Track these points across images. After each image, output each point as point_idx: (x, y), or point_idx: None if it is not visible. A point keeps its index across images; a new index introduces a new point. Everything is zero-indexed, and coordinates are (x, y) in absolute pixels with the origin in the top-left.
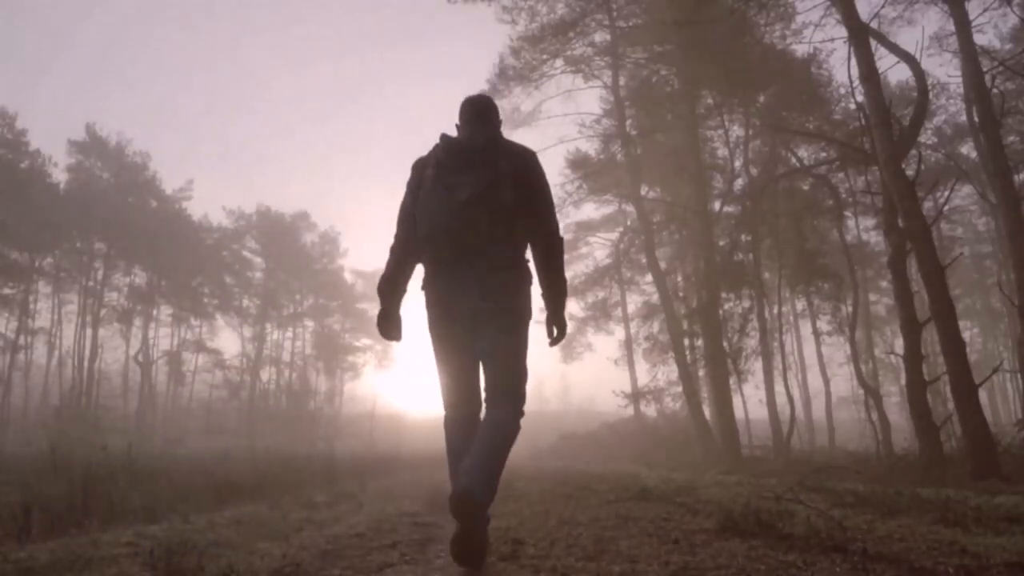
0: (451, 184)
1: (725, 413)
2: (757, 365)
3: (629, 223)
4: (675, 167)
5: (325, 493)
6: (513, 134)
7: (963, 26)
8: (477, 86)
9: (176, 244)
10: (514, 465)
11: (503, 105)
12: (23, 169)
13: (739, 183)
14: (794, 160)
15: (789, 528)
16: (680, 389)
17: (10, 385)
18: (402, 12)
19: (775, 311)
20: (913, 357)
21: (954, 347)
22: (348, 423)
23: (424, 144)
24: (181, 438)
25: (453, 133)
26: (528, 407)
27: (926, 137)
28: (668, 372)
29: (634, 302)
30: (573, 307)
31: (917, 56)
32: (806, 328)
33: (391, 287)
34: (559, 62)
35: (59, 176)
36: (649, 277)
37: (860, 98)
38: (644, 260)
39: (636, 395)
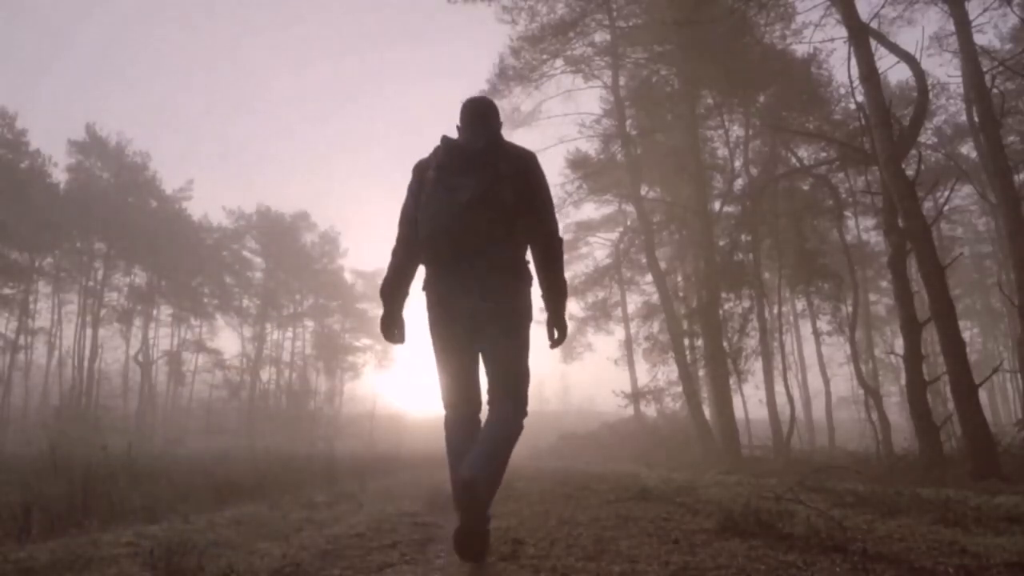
0: (452, 186)
1: (725, 413)
2: (757, 365)
3: (629, 223)
4: (675, 167)
5: (325, 493)
6: (513, 134)
7: (963, 26)
8: (477, 86)
9: (176, 244)
10: (514, 465)
11: (503, 105)
12: (23, 169)
13: (739, 183)
14: (794, 160)
15: (789, 528)
16: (680, 389)
17: (10, 385)
18: (402, 12)
19: (775, 311)
20: (913, 357)
21: (954, 347)
22: (348, 423)
23: (424, 144)
24: (181, 438)
25: (453, 135)
26: (528, 407)
27: (926, 137)
28: (668, 372)
29: (634, 302)
30: (573, 307)
31: (917, 56)
32: (806, 328)
33: (393, 290)
34: (559, 62)
35: (59, 176)
36: (649, 277)
37: (860, 98)
38: (644, 260)
39: (636, 395)
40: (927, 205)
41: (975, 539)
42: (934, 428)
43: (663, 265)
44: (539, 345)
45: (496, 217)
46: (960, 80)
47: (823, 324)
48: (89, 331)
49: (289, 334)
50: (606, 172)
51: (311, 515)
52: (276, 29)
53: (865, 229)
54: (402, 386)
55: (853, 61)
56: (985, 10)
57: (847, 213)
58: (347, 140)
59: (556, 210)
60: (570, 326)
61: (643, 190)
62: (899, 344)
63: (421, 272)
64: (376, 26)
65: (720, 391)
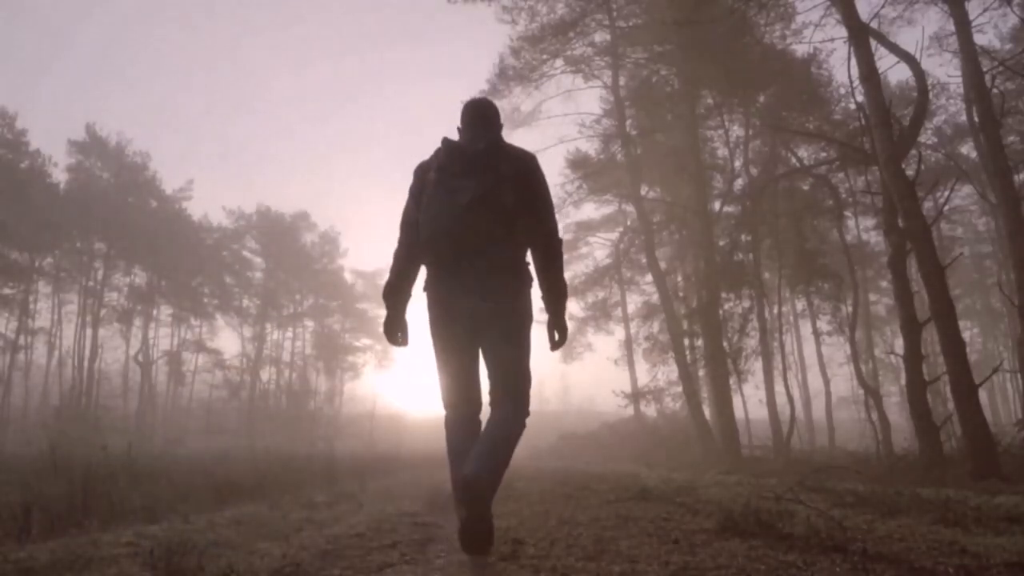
0: (453, 188)
1: (725, 413)
2: (757, 365)
3: (629, 223)
4: (675, 167)
5: (325, 493)
6: (513, 134)
7: (963, 26)
8: (477, 86)
9: (176, 244)
10: (514, 465)
11: (503, 105)
12: (23, 169)
13: (739, 183)
14: (794, 160)
15: (789, 528)
16: (680, 389)
17: (10, 385)
18: (402, 12)
19: (775, 311)
20: (913, 357)
21: (954, 347)
22: (348, 423)
23: (424, 144)
24: (181, 438)
25: (454, 136)
26: (530, 407)
27: (926, 137)
28: (668, 372)
29: (634, 302)
30: (573, 307)
31: (917, 56)
32: (806, 328)
33: (396, 293)
34: (559, 62)
35: (59, 176)
36: (649, 277)
37: (860, 98)
38: (644, 260)
39: (636, 395)
40: (927, 205)
41: (975, 539)
42: (934, 428)
43: (663, 265)
44: (539, 345)
45: (496, 218)
46: (960, 80)
47: (823, 324)
48: (89, 331)
49: (289, 334)
50: (606, 172)
51: (311, 515)
52: (276, 29)
53: (865, 229)
54: (402, 386)
55: (853, 61)
56: (985, 10)
57: (847, 213)
58: (347, 140)
59: (556, 210)
60: (570, 326)
61: (643, 190)
62: (899, 344)
63: (423, 273)
64: (376, 26)
65: (720, 391)
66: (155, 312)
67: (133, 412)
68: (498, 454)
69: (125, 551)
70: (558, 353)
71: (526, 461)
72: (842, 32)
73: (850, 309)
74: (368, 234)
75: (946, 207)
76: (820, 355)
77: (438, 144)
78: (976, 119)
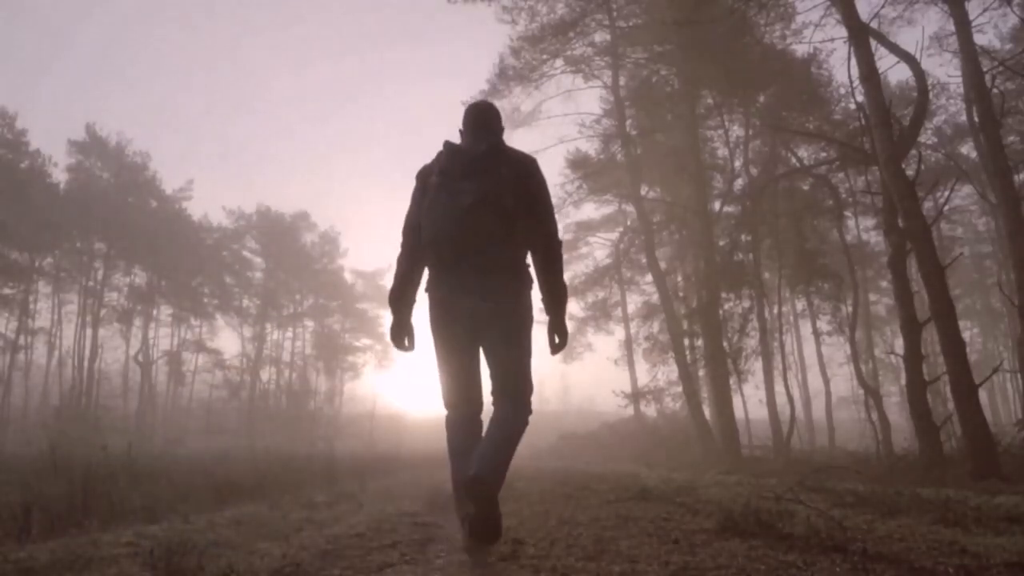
0: (455, 190)
1: (725, 413)
2: (757, 365)
3: (629, 223)
4: (675, 167)
5: (325, 493)
6: (513, 134)
7: (963, 26)
8: (477, 86)
9: (176, 244)
10: (514, 465)
11: (503, 105)
12: (23, 169)
13: (739, 183)
14: (794, 160)
15: (789, 528)
16: (680, 389)
17: (10, 385)
18: (402, 12)
19: (775, 311)
20: (913, 357)
21: (954, 347)
22: (348, 423)
23: (424, 144)
24: (181, 438)
25: (454, 136)
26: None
27: (926, 137)
28: (668, 372)
29: (634, 302)
30: (573, 307)
31: (917, 56)
32: (806, 328)
33: (401, 297)
34: (559, 62)
35: (59, 176)
36: (649, 277)
37: (860, 98)
38: (644, 260)
39: (636, 395)
40: (927, 205)
41: (975, 539)
42: (934, 428)
43: (663, 265)
44: (539, 346)
45: (497, 220)
46: (960, 80)
47: (823, 324)
48: (89, 331)
49: (289, 334)
50: (606, 172)
51: (311, 515)
52: (276, 29)
53: (865, 229)
54: (402, 386)
55: (853, 61)
56: (985, 10)
57: (847, 213)
58: (347, 140)
59: (556, 211)
60: (570, 326)
61: (643, 190)
62: (899, 344)
63: (426, 276)
64: (376, 26)
65: (720, 391)
66: (155, 312)
67: (133, 412)
68: (501, 453)
69: (125, 551)
70: (558, 354)
71: (526, 461)
72: (842, 32)
73: (850, 309)
74: (368, 234)
75: (946, 207)
76: (820, 355)
77: (438, 144)
78: (976, 119)
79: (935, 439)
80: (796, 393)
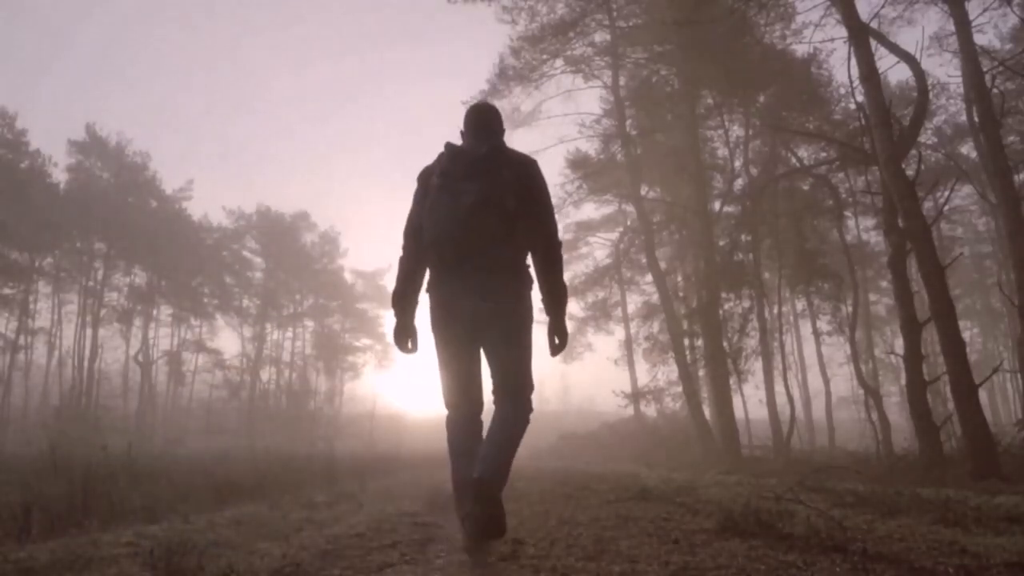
0: (456, 191)
1: (725, 413)
2: (757, 365)
3: (629, 223)
4: (675, 167)
5: (325, 493)
6: (513, 134)
7: (963, 26)
8: (477, 86)
9: (176, 244)
10: (514, 465)
11: (503, 105)
12: (23, 169)
13: (739, 183)
14: (794, 160)
15: (789, 528)
16: (680, 389)
17: (10, 385)
18: (402, 12)
19: (775, 311)
20: (913, 357)
21: (954, 347)
22: (348, 423)
23: (424, 144)
24: (181, 438)
25: (454, 137)
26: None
27: (926, 137)
28: (668, 372)
29: (634, 302)
30: (573, 307)
31: (917, 56)
32: (806, 328)
33: (404, 300)
34: (559, 62)
35: (59, 176)
36: (649, 277)
37: (860, 98)
38: (644, 260)
39: (636, 395)
40: (927, 205)
41: (975, 539)
42: (934, 428)
43: (663, 265)
44: (539, 347)
45: (498, 221)
46: (960, 80)
47: (823, 324)
48: (89, 331)
49: (289, 334)
50: (606, 172)
51: (311, 515)
52: (276, 29)
53: (865, 229)
54: (402, 386)
55: (853, 61)
56: (985, 10)
57: (847, 213)
58: (347, 140)
59: (556, 211)
60: (570, 326)
61: (643, 190)
62: (899, 344)
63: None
64: (376, 26)
65: (720, 391)
66: (155, 312)
67: (133, 412)
68: (503, 454)
69: (125, 551)
70: (558, 355)
71: (526, 461)
72: (842, 32)
73: (850, 309)
74: (368, 234)
75: (946, 207)
76: (820, 355)
77: (438, 144)
78: (976, 119)
79: (935, 439)
80: (796, 393)
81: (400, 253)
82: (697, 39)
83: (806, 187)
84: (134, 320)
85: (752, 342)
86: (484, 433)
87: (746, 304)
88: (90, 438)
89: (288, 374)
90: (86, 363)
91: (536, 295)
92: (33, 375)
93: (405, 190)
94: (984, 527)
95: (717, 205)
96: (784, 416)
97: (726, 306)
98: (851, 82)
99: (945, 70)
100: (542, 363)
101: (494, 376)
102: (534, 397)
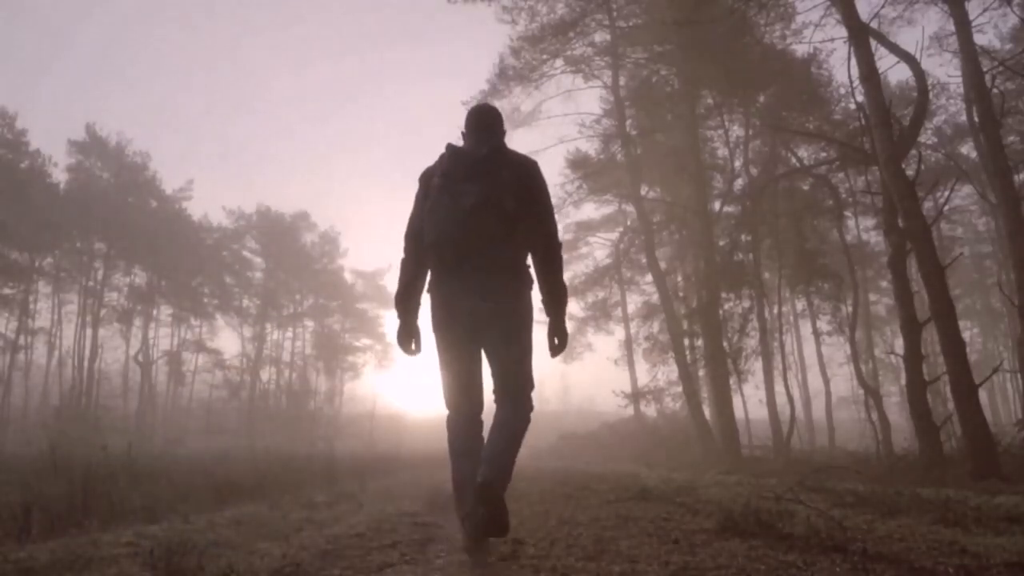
0: (457, 192)
1: (725, 413)
2: (757, 365)
3: (629, 223)
4: (675, 167)
5: (325, 493)
6: (513, 134)
7: (963, 26)
8: (477, 86)
9: (176, 244)
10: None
11: (503, 105)
12: (23, 169)
13: (739, 183)
14: (794, 160)
15: (789, 528)
16: (680, 389)
17: (10, 385)
18: (402, 12)
19: (775, 311)
20: (913, 357)
21: (954, 347)
22: (348, 423)
23: (424, 144)
24: (181, 438)
25: (454, 136)
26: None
27: (926, 137)
28: (668, 372)
29: (634, 302)
30: (573, 307)
31: (917, 56)
32: (806, 328)
33: (407, 301)
34: (559, 62)
35: (59, 176)
36: (649, 277)
37: (860, 98)
38: (644, 260)
39: (636, 395)
40: (927, 205)
41: (975, 539)
42: (934, 428)
43: (663, 265)
44: (539, 347)
45: (498, 222)
46: (960, 80)
47: (823, 324)
48: (89, 331)
49: (289, 334)
50: (606, 172)
51: (311, 515)
52: (276, 29)
53: (865, 229)
54: (402, 386)
55: (853, 61)
56: (985, 10)
57: (847, 213)
58: (347, 140)
59: (556, 211)
60: (570, 326)
61: (643, 190)
62: (899, 344)
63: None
64: (376, 26)
65: (720, 391)
66: (155, 312)
67: (133, 412)
68: (506, 455)
69: (125, 551)
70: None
71: (526, 461)
72: (842, 32)
73: (850, 309)
74: (368, 234)
75: (946, 207)
76: (820, 355)
77: (438, 144)
78: (976, 119)
79: (935, 439)
80: (796, 393)
81: (402, 255)
82: (697, 39)
83: (806, 187)
84: (134, 320)
85: (752, 342)
86: (484, 433)
87: (746, 304)
88: (90, 438)
89: (288, 374)
90: (86, 363)
91: (536, 295)
92: (33, 375)
93: (405, 190)
94: (984, 527)
95: (717, 205)
96: (784, 416)
97: (726, 306)
98: (851, 82)
99: (945, 70)
100: (542, 363)
101: (495, 376)
102: (534, 395)
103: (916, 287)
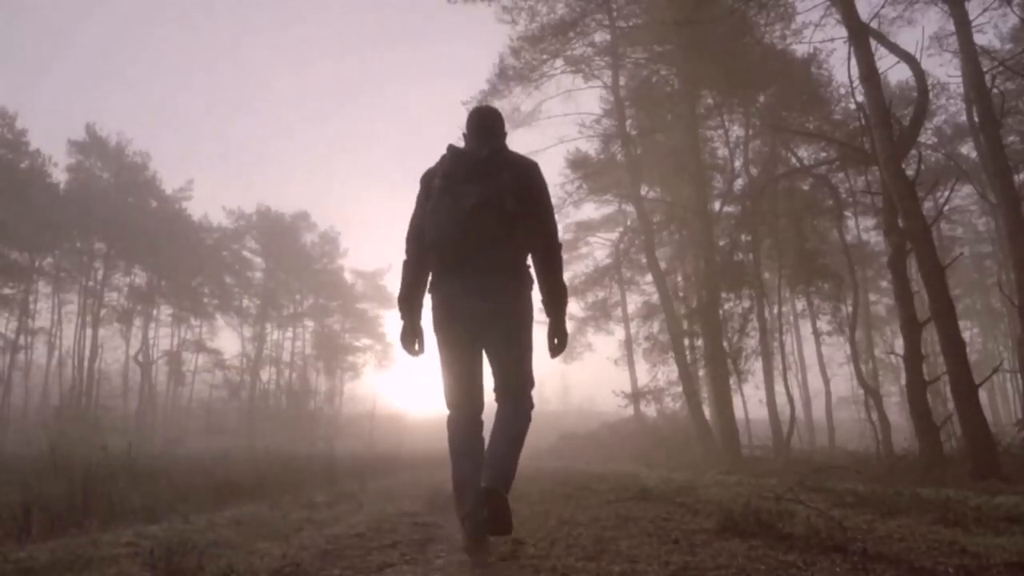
0: (458, 193)
1: (725, 413)
2: (757, 365)
3: (629, 223)
4: (675, 167)
5: (325, 493)
6: (513, 134)
7: (963, 26)
8: (477, 86)
9: (176, 244)
10: None
11: (503, 105)
12: (23, 169)
13: (739, 183)
14: (794, 160)
15: (789, 528)
16: (680, 389)
17: (10, 385)
18: (402, 12)
19: (775, 311)
20: (913, 357)
21: (954, 347)
22: (348, 423)
23: (424, 144)
24: (181, 438)
25: (453, 135)
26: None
27: (926, 137)
28: (668, 372)
29: (634, 302)
30: (573, 307)
31: (917, 56)
32: (806, 328)
33: (409, 302)
34: (559, 62)
35: (59, 176)
36: (649, 277)
37: (860, 98)
38: (644, 260)
39: (636, 395)
40: (927, 205)
41: (975, 539)
42: (934, 428)
43: (663, 265)
44: (539, 347)
45: (499, 223)
46: (960, 80)
47: (823, 324)
48: (89, 331)
49: (289, 334)
50: (606, 172)
51: (311, 515)
52: (276, 29)
53: (865, 229)
54: (402, 386)
55: (853, 61)
56: (985, 10)
57: (847, 213)
58: (347, 140)
59: (556, 211)
60: (570, 326)
61: (643, 190)
62: (899, 344)
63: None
64: (376, 26)
65: (720, 391)
66: (155, 312)
67: (133, 412)
68: (508, 457)
69: (125, 551)
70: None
71: (526, 461)
72: (842, 32)
73: (850, 309)
74: (368, 234)
75: (946, 207)
76: (820, 355)
77: (438, 145)
78: (976, 119)
79: (935, 439)
80: (796, 393)
81: (403, 257)
82: (697, 39)
83: (806, 187)
84: (134, 320)
85: (752, 342)
86: (485, 433)
87: (746, 304)
88: (90, 438)
89: (288, 374)
90: (86, 363)
91: (536, 295)
92: (33, 375)
93: (405, 190)
94: (984, 527)
95: (717, 205)
96: (784, 416)
97: (726, 306)
98: (851, 82)
99: (945, 70)
100: (542, 363)
101: (495, 376)
102: (534, 394)
103: (916, 287)
